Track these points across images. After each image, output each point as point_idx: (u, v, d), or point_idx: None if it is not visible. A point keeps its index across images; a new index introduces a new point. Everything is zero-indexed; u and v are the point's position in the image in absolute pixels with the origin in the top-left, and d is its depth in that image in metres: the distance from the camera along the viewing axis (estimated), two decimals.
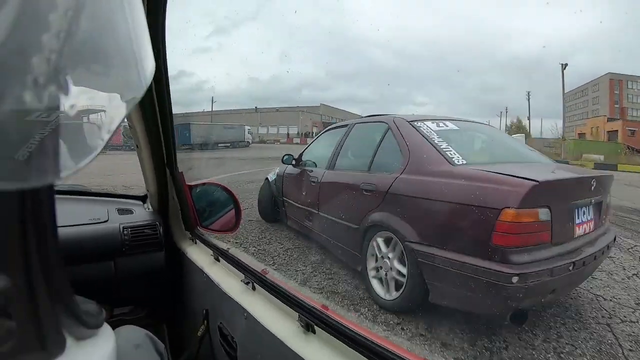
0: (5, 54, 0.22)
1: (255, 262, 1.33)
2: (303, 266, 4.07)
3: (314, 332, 0.93)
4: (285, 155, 5.06)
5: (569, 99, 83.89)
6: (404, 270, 2.98)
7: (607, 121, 59.99)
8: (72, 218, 1.67)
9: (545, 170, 3.24)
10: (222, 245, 1.52)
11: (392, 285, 3.10)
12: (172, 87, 1.40)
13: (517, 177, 2.54)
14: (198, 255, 1.61)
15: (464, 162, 3.00)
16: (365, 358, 0.80)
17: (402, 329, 2.83)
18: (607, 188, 3.17)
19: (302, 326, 0.95)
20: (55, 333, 0.45)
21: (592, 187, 2.86)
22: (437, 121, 3.62)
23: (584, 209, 2.84)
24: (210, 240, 1.61)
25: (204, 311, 1.46)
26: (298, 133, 60.10)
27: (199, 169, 13.36)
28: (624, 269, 3.96)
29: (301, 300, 1.01)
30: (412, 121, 3.56)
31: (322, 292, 3.42)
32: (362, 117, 4.62)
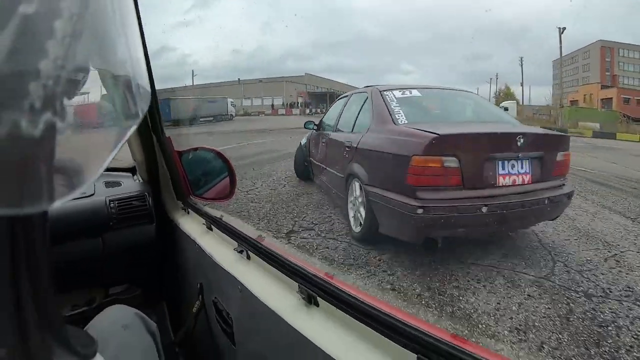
0: (2, 79, 0.22)
1: (250, 229, 1.24)
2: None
3: (316, 304, 0.84)
4: (306, 121, 6.06)
5: (557, 67, 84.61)
6: (363, 209, 3.78)
7: (601, 88, 60.88)
8: None
9: (467, 126, 3.93)
10: (216, 212, 1.44)
11: (359, 221, 3.85)
12: (154, 63, 1.33)
13: (426, 131, 3.21)
14: (190, 225, 1.52)
15: (405, 122, 3.77)
16: (375, 332, 0.71)
17: (394, 289, 3.06)
18: (556, 146, 3.61)
19: (303, 298, 0.86)
20: None
21: (520, 143, 3.28)
22: (403, 90, 4.38)
23: (512, 162, 3.31)
24: (202, 209, 1.53)
25: (199, 285, 1.37)
26: (283, 104, 59.92)
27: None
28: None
29: (302, 269, 0.91)
30: (383, 90, 4.34)
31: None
32: (360, 88, 5.37)
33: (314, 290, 0.84)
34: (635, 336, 2.37)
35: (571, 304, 2.74)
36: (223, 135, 17.61)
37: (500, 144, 3.33)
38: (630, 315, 2.60)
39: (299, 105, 61.68)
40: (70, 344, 0.48)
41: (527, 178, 3.39)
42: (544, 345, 2.31)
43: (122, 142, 0.30)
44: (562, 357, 2.24)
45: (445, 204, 3.10)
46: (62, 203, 0.26)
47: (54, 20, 0.23)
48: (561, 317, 2.59)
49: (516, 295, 2.87)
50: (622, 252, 3.74)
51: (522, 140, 3.28)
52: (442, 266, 3.31)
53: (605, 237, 4.15)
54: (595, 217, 4.91)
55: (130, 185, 1.79)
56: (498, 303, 2.76)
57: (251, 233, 1.18)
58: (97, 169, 0.29)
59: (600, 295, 2.89)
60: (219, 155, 1.68)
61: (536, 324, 2.52)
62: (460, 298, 2.87)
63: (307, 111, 58.80)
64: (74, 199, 1.11)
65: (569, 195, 3.66)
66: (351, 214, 4.06)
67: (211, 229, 1.37)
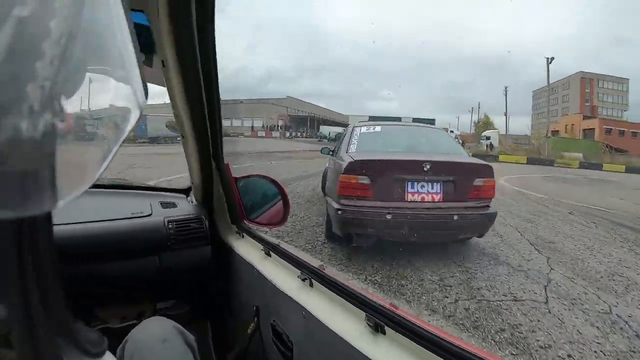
0: (0, 83, 0.23)
1: (311, 258, 1.28)
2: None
3: (383, 332, 0.87)
4: (323, 147, 6.90)
5: (537, 97, 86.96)
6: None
7: (583, 119, 62.56)
8: (114, 212, 1.67)
9: (391, 154, 5.05)
10: (273, 239, 1.49)
11: (328, 225, 5.06)
12: None
13: (351, 157, 4.57)
14: (246, 249, 1.58)
15: (353, 150, 5.07)
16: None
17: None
18: (474, 173, 4.53)
19: (370, 326, 0.89)
20: None
21: (427, 169, 4.33)
22: (370, 126, 5.93)
23: (422, 183, 4.39)
24: (258, 234, 1.59)
25: (254, 308, 1.43)
26: (263, 126, 59.77)
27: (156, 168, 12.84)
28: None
29: (368, 299, 0.95)
30: (356, 126, 5.85)
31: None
32: (358, 122, 6.81)
33: (380, 319, 0.87)
34: None
35: None
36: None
37: (410, 168, 4.41)
38: None
39: (279, 128, 61.54)
40: (79, 342, 0.50)
41: (437, 197, 4.42)
42: None
43: (122, 139, 0.31)
44: None
45: (357, 209, 4.34)
46: (65, 203, 0.28)
47: (49, 22, 0.24)
48: None
49: None
50: None
51: (428, 167, 4.33)
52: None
53: None
54: None
55: (185, 206, 1.87)
56: None
57: (311, 261, 1.23)
58: (99, 168, 0.30)
59: None
60: (273, 182, 1.77)
61: None
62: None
63: (287, 134, 58.70)
64: (133, 218, 1.32)
65: (490, 217, 4.58)
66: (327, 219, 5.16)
67: (270, 255, 1.42)
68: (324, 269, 1.16)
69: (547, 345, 2.85)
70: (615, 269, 4.66)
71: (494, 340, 2.93)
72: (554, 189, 13.23)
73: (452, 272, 4.33)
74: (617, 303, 3.66)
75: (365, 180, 4.30)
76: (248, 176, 1.80)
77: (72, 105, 0.27)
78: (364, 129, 5.63)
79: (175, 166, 10.40)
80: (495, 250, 5.17)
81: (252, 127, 55.64)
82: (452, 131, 44.70)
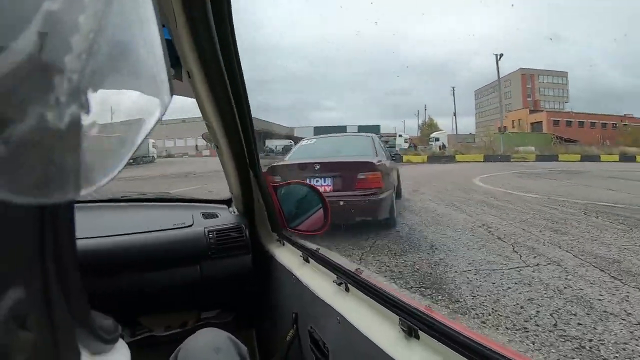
0: (28, 73, 0.24)
1: (348, 262, 1.27)
2: None
3: (417, 337, 0.84)
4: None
5: (479, 96, 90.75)
6: None
7: (530, 113, 65.87)
8: (158, 223, 1.74)
9: (295, 160, 6.86)
10: (311, 245, 1.51)
11: None
12: None
13: (276, 162, 6.97)
14: (286, 256, 1.61)
15: (286, 159, 7.04)
16: None
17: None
18: (356, 169, 6.06)
19: (403, 330, 0.87)
20: (71, 346, 0.47)
21: (317, 168, 6.04)
22: (310, 139, 8.26)
23: (316, 178, 5.98)
24: (298, 241, 1.61)
25: (293, 315, 1.44)
26: (207, 144, 58.66)
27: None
28: None
29: (402, 302, 0.93)
30: (302, 141, 8.00)
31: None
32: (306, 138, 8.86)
33: (414, 323, 0.85)
34: None
35: None
36: (141, 181, 16.61)
37: (306, 169, 6.17)
38: None
39: (212, 145, 60.88)
40: (94, 328, 0.52)
41: (328, 188, 5.97)
42: None
43: (145, 134, 0.32)
44: None
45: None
46: (87, 193, 0.29)
47: (78, 16, 0.25)
48: None
49: None
50: None
51: (318, 167, 6.07)
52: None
53: None
54: None
55: (227, 217, 1.92)
56: None
57: (349, 266, 1.23)
58: (121, 161, 0.31)
59: None
60: (313, 189, 1.83)
61: None
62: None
63: None
64: (175, 228, 1.38)
65: (378, 202, 6.04)
66: None
67: (308, 261, 1.44)
68: (360, 273, 1.16)
69: None
70: None
71: None
72: (539, 186, 13.07)
73: None
74: None
75: (278, 178, 5.92)
76: (287, 183, 1.84)
77: (98, 99, 0.28)
78: (304, 142, 8.08)
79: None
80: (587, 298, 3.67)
81: (197, 146, 54.78)
82: (400, 135, 46.04)
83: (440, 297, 3.81)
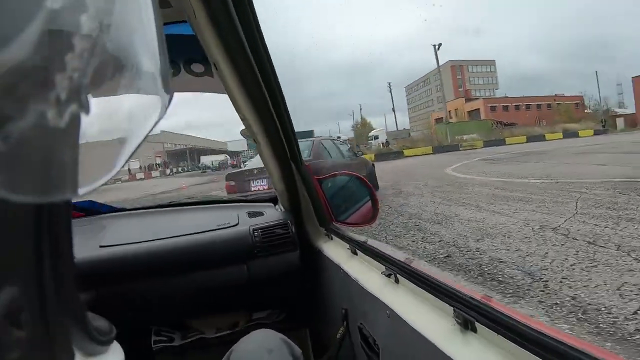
0: (29, 70, 0.24)
1: (398, 252, 1.22)
2: None
3: (474, 330, 0.77)
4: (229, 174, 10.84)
5: (410, 91, 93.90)
6: None
7: (466, 102, 68.70)
8: (203, 225, 1.75)
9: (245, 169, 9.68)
10: (360, 237, 1.47)
11: None
12: None
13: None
14: (334, 251, 1.57)
15: (244, 166, 11.86)
16: None
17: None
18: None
19: (458, 323, 0.80)
20: (65, 347, 0.49)
21: (255, 172, 8.51)
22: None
23: (257, 181, 8.56)
24: (346, 234, 1.57)
25: (343, 311, 1.40)
26: (140, 167, 57.44)
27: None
28: None
29: (456, 291, 0.85)
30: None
31: None
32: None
33: (470, 314, 0.78)
34: None
35: None
36: None
37: (250, 174, 8.68)
38: None
39: (158, 166, 59.56)
40: (88, 329, 0.53)
41: (264, 187, 8.36)
42: None
43: (145, 135, 0.32)
44: None
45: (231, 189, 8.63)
46: (85, 192, 0.29)
47: (80, 15, 0.25)
48: None
49: None
50: None
51: (256, 172, 8.49)
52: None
53: None
54: None
55: (273, 214, 1.90)
56: None
57: (398, 256, 1.17)
58: (121, 161, 0.31)
59: None
60: (359, 179, 1.78)
61: None
62: None
63: (168, 171, 57.05)
64: (219, 229, 1.38)
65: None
66: None
67: (356, 254, 1.39)
68: (410, 262, 1.10)
69: None
70: None
71: None
72: (526, 170, 12.77)
73: None
74: None
75: (232, 182, 8.99)
76: (332, 175, 1.80)
77: (98, 98, 0.28)
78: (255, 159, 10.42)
79: None
80: None
81: (129, 170, 53.44)
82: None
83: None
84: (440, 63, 77.23)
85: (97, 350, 0.56)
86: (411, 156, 31.85)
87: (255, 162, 9.32)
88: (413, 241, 5.67)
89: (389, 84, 66.20)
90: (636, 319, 2.84)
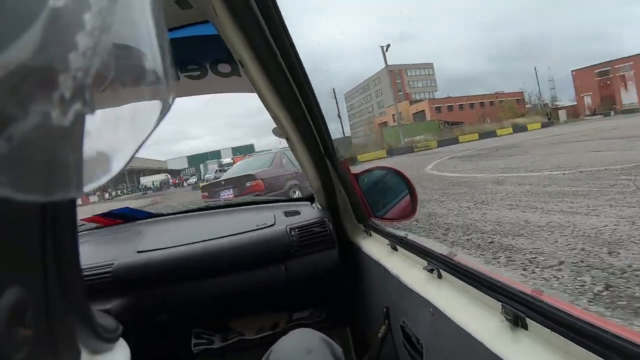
0: (32, 70, 0.24)
1: (440, 246, 1.23)
2: None
3: (525, 326, 0.72)
4: (203, 185, 13.39)
5: (350, 99, 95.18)
6: None
7: (410, 104, 70.40)
8: (240, 226, 1.78)
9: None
10: (400, 232, 1.43)
11: None
12: None
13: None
14: (373, 247, 1.55)
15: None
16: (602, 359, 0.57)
17: None
18: (244, 181, 9.88)
19: (507, 319, 0.75)
20: (70, 344, 0.50)
21: (223, 184, 10.37)
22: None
23: (225, 190, 10.16)
24: (385, 229, 1.54)
25: (384, 309, 1.37)
26: None
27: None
28: None
29: (505, 285, 0.81)
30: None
31: None
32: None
33: (521, 310, 0.73)
34: None
35: None
36: None
37: (220, 185, 10.46)
38: None
39: (95, 191, 57.57)
40: (94, 326, 0.55)
41: (231, 195, 9.82)
42: None
43: (149, 133, 0.32)
44: None
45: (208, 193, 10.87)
46: (89, 189, 0.29)
47: (83, 14, 0.26)
48: None
49: None
50: None
51: (223, 183, 10.37)
52: None
53: None
54: None
55: (310, 212, 1.90)
56: None
57: (441, 250, 1.13)
58: (125, 160, 0.31)
59: None
60: (397, 173, 1.75)
61: None
62: None
63: (107, 195, 55.24)
64: (256, 229, 1.40)
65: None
66: None
67: (396, 249, 1.36)
68: (453, 256, 1.06)
69: None
70: None
71: None
72: (527, 163, 12.14)
73: None
74: None
75: (206, 193, 10.86)
76: (368, 170, 1.77)
77: (102, 97, 0.29)
78: (233, 166, 13.35)
79: None
80: None
81: None
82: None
83: None
84: (379, 69, 79.11)
85: (103, 347, 0.58)
86: (363, 161, 32.00)
87: (228, 173, 11.86)
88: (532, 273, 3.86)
89: (333, 90, 66.97)
90: None
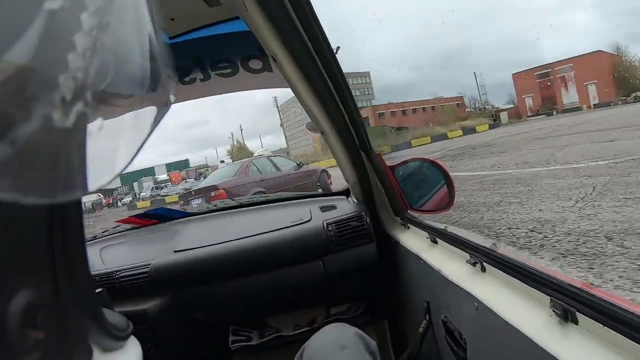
0: (32, 73, 0.24)
1: (482, 238, 1.16)
2: None
3: (575, 321, 0.69)
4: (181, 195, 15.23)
5: (285, 110, 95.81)
6: None
7: None
8: (276, 223, 1.78)
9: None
10: (438, 225, 1.40)
11: None
12: None
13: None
14: (412, 240, 1.52)
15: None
16: None
17: None
18: (211, 190, 11.06)
19: (556, 314, 0.72)
20: (82, 344, 0.51)
21: (193, 194, 11.82)
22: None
23: (195, 199, 11.37)
24: (424, 222, 1.52)
25: (425, 304, 1.35)
26: None
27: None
28: None
29: (553, 278, 0.77)
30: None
31: None
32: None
33: (570, 304, 0.70)
34: None
35: None
36: None
37: (191, 194, 12.00)
38: None
39: None
40: (104, 324, 0.55)
41: (200, 203, 10.33)
42: None
43: (150, 132, 0.33)
44: None
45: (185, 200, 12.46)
46: (93, 189, 0.30)
47: (80, 14, 0.26)
48: None
49: None
50: None
51: (193, 193, 11.91)
52: None
53: None
54: None
55: (346, 207, 1.89)
56: None
57: (482, 242, 1.11)
58: (127, 159, 0.32)
59: None
60: (434, 163, 1.73)
61: None
62: None
63: None
64: (292, 226, 1.39)
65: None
66: None
67: (436, 242, 1.34)
68: (497, 249, 1.04)
69: None
70: None
71: None
72: (535, 157, 11.54)
73: None
74: None
75: (182, 201, 12.73)
76: (404, 162, 1.75)
77: (102, 97, 0.29)
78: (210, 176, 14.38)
79: None
80: None
81: None
82: (222, 161, 50.46)
83: None
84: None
85: (115, 345, 0.58)
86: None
87: (204, 182, 13.20)
88: None
89: (275, 99, 66.88)
90: None
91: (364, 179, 1.73)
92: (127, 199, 54.63)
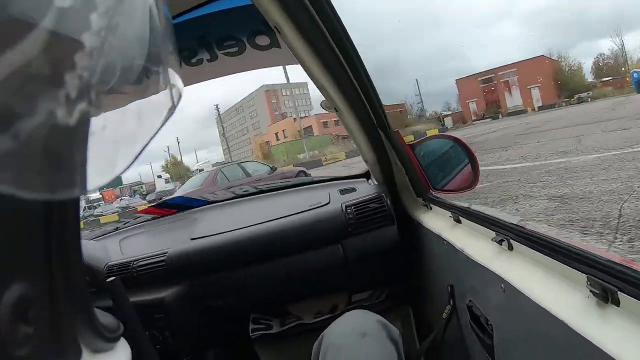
0: (39, 69, 0.24)
1: (508, 215, 1.11)
2: None
3: (616, 302, 0.61)
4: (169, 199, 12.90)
5: (224, 120, 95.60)
6: None
7: (294, 121, 72.17)
8: (294, 207, 1.75)
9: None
10: (462, 203, 1.34)
11: None
12: None
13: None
14: (434, 221, 1.46)
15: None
16: None
17: None
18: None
19: (594, 294, 0.64)
20: (72, 343, 0.51)
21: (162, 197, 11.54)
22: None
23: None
24: (447, 201, 1.46)
25: (449, 287, 1.29)
26: None
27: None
28: None
29: (590, 254, 0.69)
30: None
31: None
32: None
33: (611, 282, 0.62)
34: None
35: None
36: None
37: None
38: None
39: None
40: (95, 325, 0.55)
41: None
42: None
43: (155, 132, 0.33)
44: None
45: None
46: (94, 189, 0.30)
47: (89, 14, 0.26)
48: None
49: None
50: None
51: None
52: None
53: None
54: None
55: (366, 189, 1.85)
56: None
57: (508, 219, 1.03)
58: (130, 159, 0.32)
59: None
60: (457, 141, 1.67)
61: None
62: None
63: None
64: (310, 209, 1.30)
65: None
66: None
67: (459, 222, 1.27)
68: (525, 225, 0.96)
69: None
70: None
71: None
72: (536, 151, 11.46)
73: None
74: None
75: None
76: (424, 139, 1.70)
77: (108, 96, 0.29)
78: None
79: None
80: None
81: None
82: (159, 176, 52.35)
83: None
84: (254, 89, 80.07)
85: (104, 347, 0.58)
86: None
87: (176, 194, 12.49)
88: None
89: (217, 106, 66.38)
90: None
91: (383, 159, 1.68)
92: None
